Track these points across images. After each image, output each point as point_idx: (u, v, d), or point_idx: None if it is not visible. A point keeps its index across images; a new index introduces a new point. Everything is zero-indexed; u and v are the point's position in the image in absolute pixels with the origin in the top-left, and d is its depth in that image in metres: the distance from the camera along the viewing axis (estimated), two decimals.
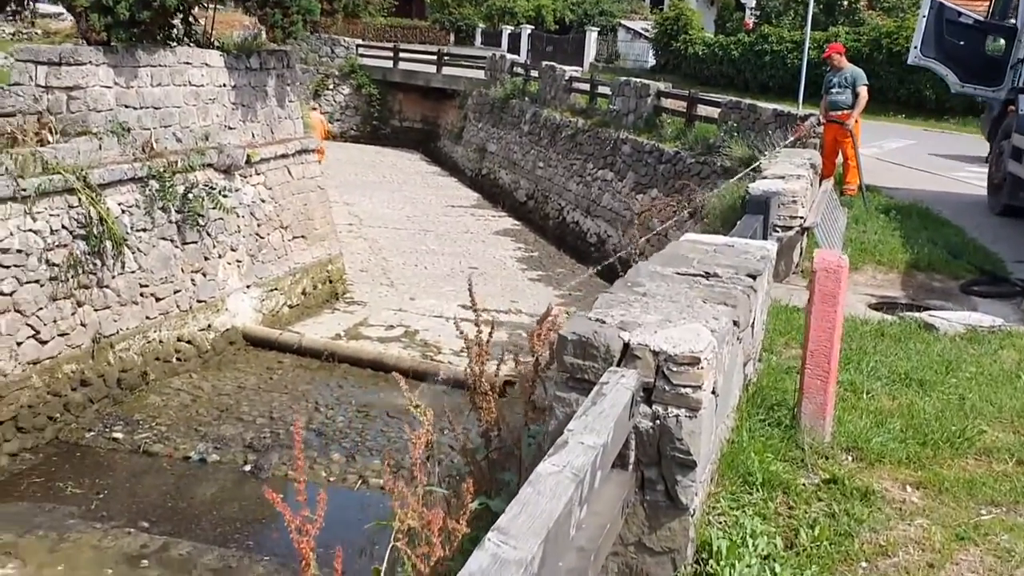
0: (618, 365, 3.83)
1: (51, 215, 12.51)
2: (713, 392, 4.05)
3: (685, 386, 3.78)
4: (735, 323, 4.43)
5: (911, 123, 29.25)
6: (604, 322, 3.98)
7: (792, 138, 15.26)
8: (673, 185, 20.44)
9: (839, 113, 14.20)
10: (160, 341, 14.20)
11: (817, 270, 5.00)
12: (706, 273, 5.02)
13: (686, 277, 4.90)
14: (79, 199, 12.85)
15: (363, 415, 13.50)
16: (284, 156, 17.66)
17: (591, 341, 3.85)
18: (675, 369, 3.78)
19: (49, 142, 13.19)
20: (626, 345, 3.84)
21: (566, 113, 27.74)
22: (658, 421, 3.81)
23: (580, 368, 3.87)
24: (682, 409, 3.79)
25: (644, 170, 22.10)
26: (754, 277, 5.10)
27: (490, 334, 4.76)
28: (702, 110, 21.42)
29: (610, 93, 25.52)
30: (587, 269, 22.86)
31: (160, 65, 14.88)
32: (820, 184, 12.25)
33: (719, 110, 20.29)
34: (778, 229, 9.44)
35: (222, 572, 9.69)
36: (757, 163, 12.98)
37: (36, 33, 27.22)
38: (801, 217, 9.77)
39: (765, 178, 10.21)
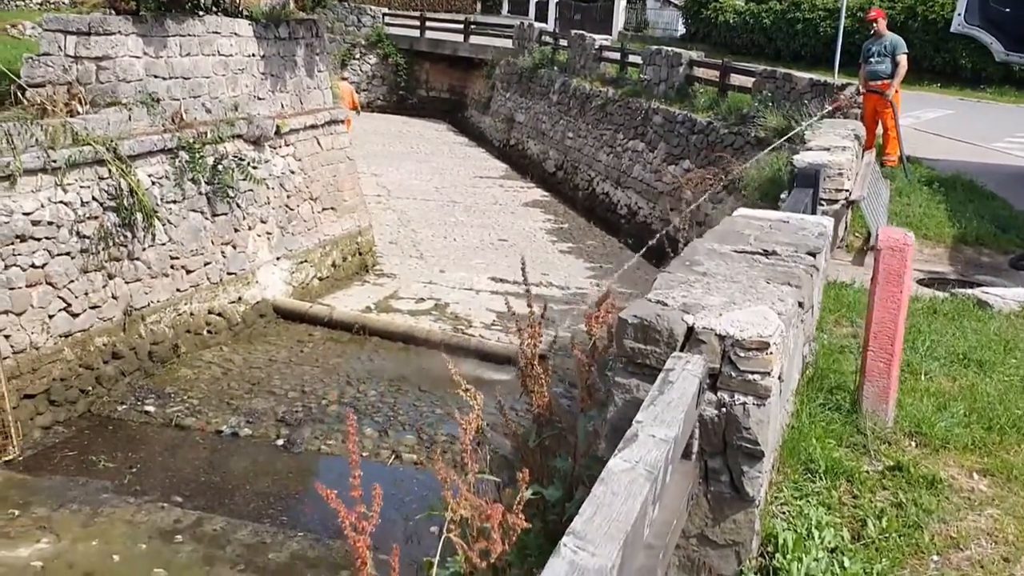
0: (681, 350, 3.64)
1: (82, 187, 12.41)
2: (780, 378, 3.85)
3: (753, 372, 3.59)
4: (800, 304, 4.22)
5: (947, 92, 28.73)
6: (666, 304, 3.79)
7: (830, 108, 14.93)
8: (706, 156, 20.12)
9: (879, 83, 13.89)
10: (191, 314, 14.11)
11: (882, 248, 4.78)
12: (765, 251, 4.81)
13: (745, 255, 4.69)
14: (109, 171, 12.74)
15: (395, 389, 13.38)
16: (313, 127, 17.48)
17: (653, 325, 3.66)
18: (742, 355, 3.59)
19: (79, 113, 13.06)
20: (690, 329, 3.65)
21: (596, 83, 27.38)
22: (724, 409, 3.63)
23: (641, 353, 3.68)
24: (749, 396, 3.60)
25: (676, 141, 21.77)
26: (814, 255, 4.88)
27: (543, 314, 4.55)
28: (735, 79, 21.04)
29: (641, 62, 25.14)
30: (616, 241, 22.68)
31: (189, 35, 14.71)
32: (863, 156, 11.96)
33: (753, 80, 19.91)
34: (823, 203, 9.19)
35: (256, 548, 9.61)
36: (796, 131, 12.68)
37: (64, 3, 27.09)
38: (847, 190, 9.51)
39: (810, 150, 9.94)
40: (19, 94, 12.92)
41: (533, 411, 4.45)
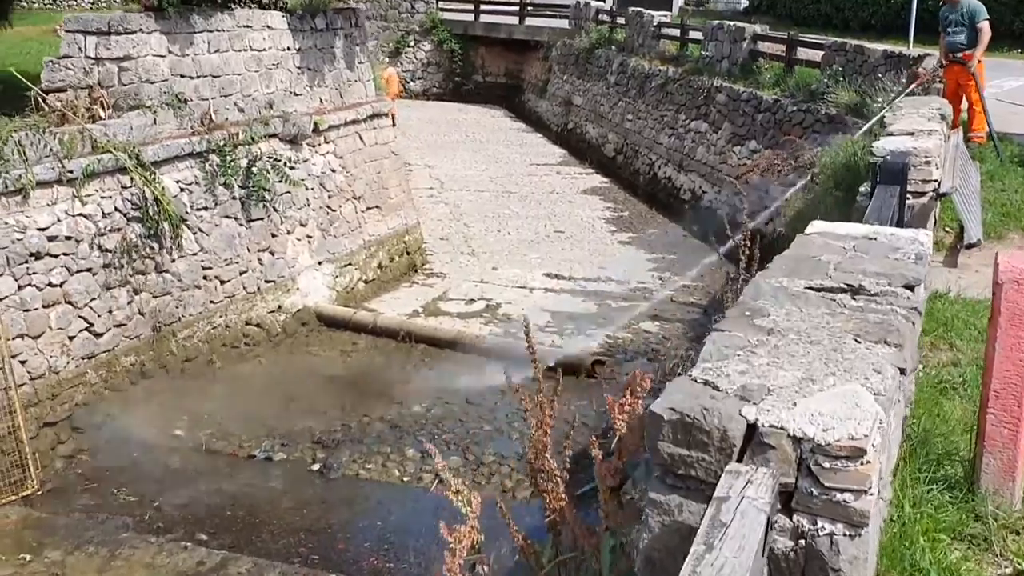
0: (739, 458, 2.62)
1: (102, 197, 11.69)
2: (878, 490, 2.81)
3: (842, 490, 2.55)
4: (901, 371, 3.16)
5: None
6: (718, 388, 2.77)
7: (913, 85, 13.62)
8: (773, 136, 18.85)
9: (960, 54, 12.62)
10: (226, 326, 13.35)
11: (1003, 281, 3.67)
12: (849, 287, 3.75)
13: (824, 295, 3.64)
14: (132, 179, 11.98)
15: (441, 402, 12.48)
16: (355, 122, 16.60)
17: (699, 423, 2.64)
18: (827, 465, 2.56)
19: (101, 118, 12.33)
20: (751, 427, 2.63)
21: (655, 61, 26.14)
22: (802, 541, 2.60)
23: (683, 461, 2.67)
24: (838, 524, 2.57)
25: (741, 120, 20.50)
26: (913, 288, 3.81)
27: (555, 392, 3.54)
28: (802, 53, 19.72)
29: (702, 38, 23.86)
30: (679, 228, 21.46)
31: (218, 30, 13.90)
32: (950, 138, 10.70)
33: (822, 53, 18.58)
34: (909, 196, 8.01)
35: None
36: (877, 118, 11.44)
37: (116, 1, 26.60)
38: (935, 181, 8.31)
39: (891, 135, 8.75)
40: (40, 100, 12.23)
41: (546, 515, 3.45)
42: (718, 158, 21.27)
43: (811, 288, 3.74)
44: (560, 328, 14.99)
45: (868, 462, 2.54)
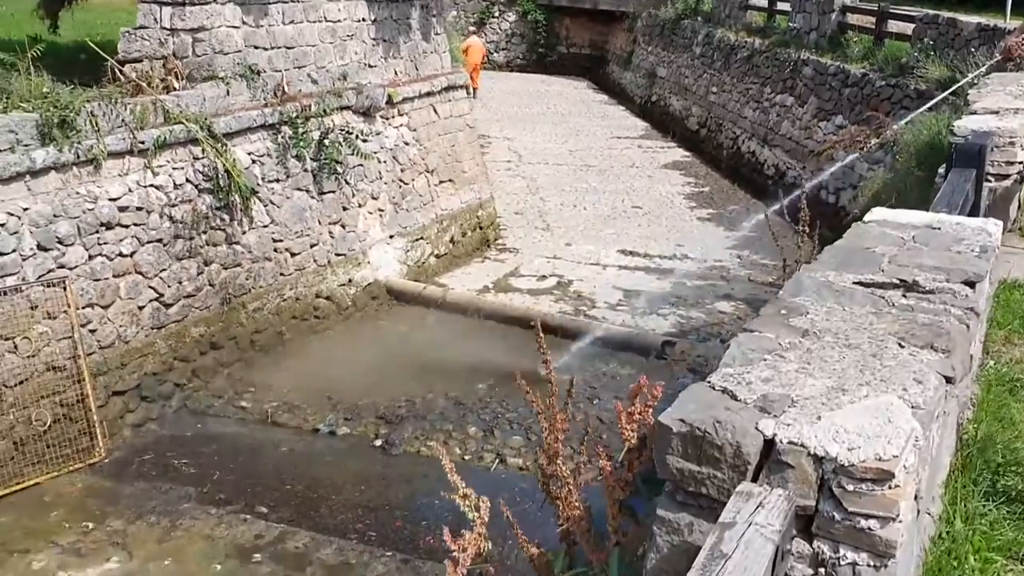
0: (755, 476, 2.39)
1: (174, 168, 11.73)
2: (914, 507, 2.56)
3: (868, 516, 2.31)
4: (948, 380, 2.89)
5: None
6: (735, 397, 2.55)
7: (999, 57, 12.94)
8: (860, 111, 18.22)
9: None
10: (296, 299, 13.37)
11: None
12: (902, 282, 3.47)
13: (872, 292, 3.37)
14: (203, 150, 12.02)
15: (506, 381, 12.29)
16: (429, 94, 16.47)
17: (710, 437, 2.42)
18: (850, 488, 2.32)
19: (175, 89, 12.38)
20: (768, 443, 2.40)
21: (741, 33, 25.51)
22: (822, 570, 2.37)
23: (693, 477, 2.46)
24: (862, 553, 2.35)
25: (827, 95, 19.86)
26: (973, 285, 3.51)
27: (569, 393, 3.34)
28: (893, 26, 18.98)
29: (789, 10, 23.16)
30: (762, 205, 20.86)
31: (292, 1, 13.84)
32: None
33: (913, 26, 17.86)
34: (991, 178, 7.57)
35: (338, 569, 8.73)
36: (958, 86, 10.88)
37: None
38: (1020, 163, 7.84)
39: (975, 113, 8.28)
40: (116, 71, 12.33)
41: (560, 524, 3.25)
42: (803, 133, 20.67)
43: (859, 283, 3.47)
44: (631, 307, 14.73)
45: (897, 486, 2.30)
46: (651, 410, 2.91)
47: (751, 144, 23.32)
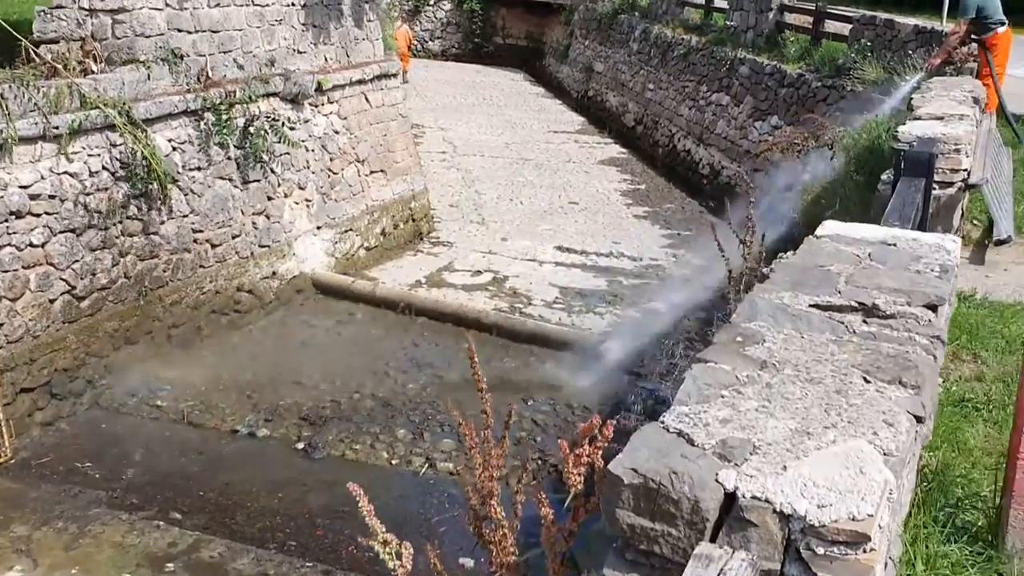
0: (714, 535, 2.10)
1: (90, 155, 11.17)
2: (885, 566, 2.28)
3: None
4: (918, 420, 2.63)
5: None
6: (693, 443, 2.25)
7: (937, 61, 12.90)
8: (796, 112, 18.18)
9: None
10: (217, 292, 12.86)
11: None
12: (861, 305, 3.22)
13: (831, 316, 3.11)
14: (121, 136, 11.47)
15: (438, 381, 11.99)
16: (361, 82, 16.02)
17: (665, 490, 2.12)
18: (821, 552, 2.04)
19: (93, 72, 11.81)
20: (729, 497, 2.11)
21: (678, 30, 25.39)
22: None
23: (646, 534, 2.16)
24: None
25: (764, 94, 19.80)
26: (935, 309, 3.27)
27: (507, 425, 3.02)
28: (830, 26, 18.94)
29: (727, 7, 23.09)
30: (696, 204, 20.80)
31: None
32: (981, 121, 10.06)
33: (851, 26, 17.82)
34: (935, 186, 7.42)
35: None
36: (907, 97, 10.80)
37: None
38: (965, 170, 7.71)
39: (919, 118, 8.14)
40: (31, 52, 11.71)
41: (492, 571, 2.94)
42: (739, 133, 20.62)
43: (816, 306, 3.20)
44: (568, 305, 14.47)
45: (873, 549, 2.03)
46: (600, 452, 2.60)
47: (687, 143, 23.23)
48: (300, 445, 10.42)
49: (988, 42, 11.62)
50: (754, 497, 2.11)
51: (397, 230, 16.56)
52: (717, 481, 2.14)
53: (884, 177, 7.64)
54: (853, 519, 2.05)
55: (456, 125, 26.59)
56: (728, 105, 21.40)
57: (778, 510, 2.09)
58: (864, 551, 2.04)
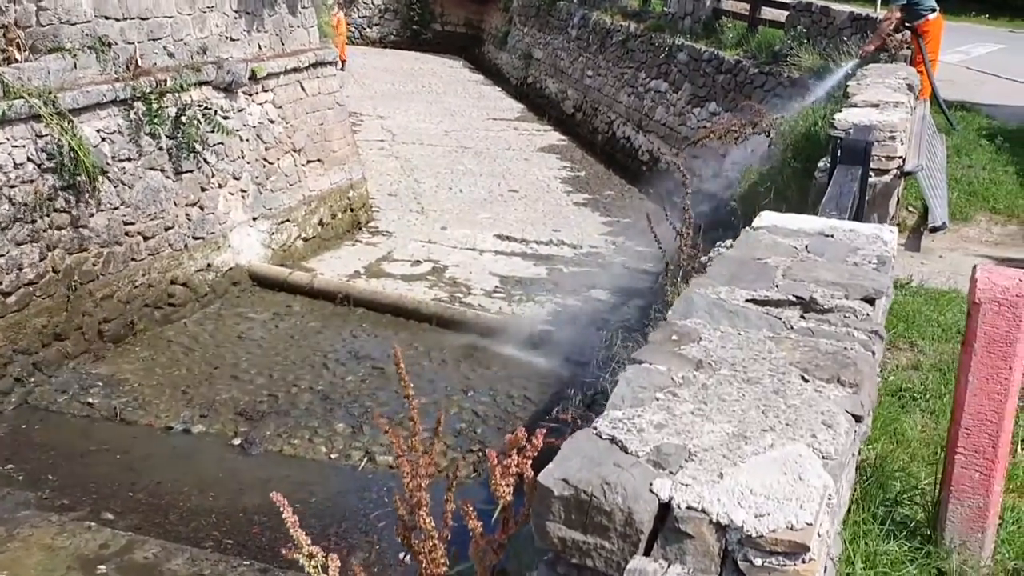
0: (648, 548, 2.02)
1: (14, 146, 10.82)
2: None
3: None
4: (857, 419, 2.57)
5: (994, 24, 26.53)
6: (626, 451, 2.17)
7: (871, 47, 12.98)
8: (734, 99, 18.26)
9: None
10: (149, 285, 12.56)
11: (981, 301, 3.08)
12: (799, 299, 3.16)
13: (768, 312, 3.05)
14: (47, 126, 11.13)
15: (377, 373, 11.84)
16: (296, 70, 15.74)
17: (597, 502, 2.03)
18: (759, 563, 1.97)
19: (17, 60, 11.44)
20: (664, 507, 2.03)
21: (617, 16, 25.35)
22: None
23: (578, 548, 2.07)
24: None
25: (702, 81, 19.86)
26: (872, 302, 3.22)
27: (436, 433, 2.92)
28: (767, 13, 19.00)
29: None
30: (636, 191, 20.80)
31: None
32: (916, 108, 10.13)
33: (787, 13, 17.90)
34: (871, 174, 7.43)
35: None
36: (842, 83, 10.84)
37: None
38: (900, 158, 7.74)
39: (855, 105, 8.15)
40: None
41: None
42: (677, 119, 20.66)
43: (753, 301, 3.14)
44: (508, 294, 14.38)
45: (812, 559, 1.97)
46: (529, 463, 2.51)
47: (626, 129, 23.24)
48: (236, 441, 10.23)
49: (920, 28, 11.70)
50: (690, 507, 2.03)
51: (335, 220, 16.34)
52: (651, 491, 2.06)
53: (821, 164, 7.66)
54: (791, 528, 1.98)
55: (395, 113, 26.33)
56: (667, 92, 21.43)
57: (715, 520, 2.01)
58: (803, 561, 1.97)
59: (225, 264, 13.82)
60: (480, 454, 10.06)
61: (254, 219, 14.46)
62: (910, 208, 8.72)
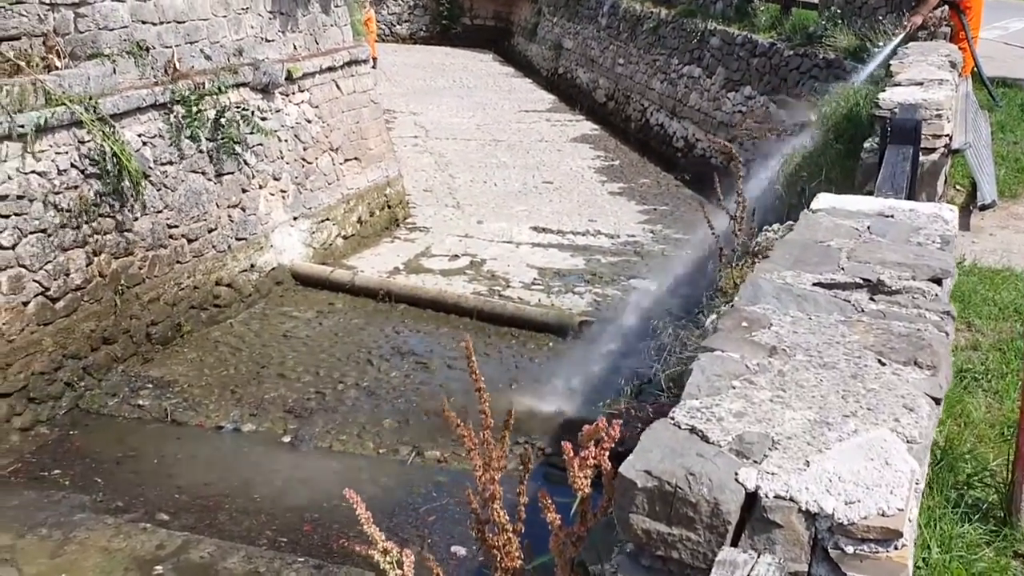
0: (735, 538, 2.00)
1: (57, 153, 10.93)
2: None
3: None
4: (936, 401, 2.53)
5: None
6: (707, 441, 2.15)
7: (919, 19, 12.78)
8: (769, 82, 18.13)
9: None
10: (195, 287, 12.67)
11: None
12: (866, 282, 3.12)
13: (837, 296, 3.01)
14: (89, 132, 11.24)
15: (421, 368, 11.87)
16: (331, 69, 15.79)
17: (682, 493, 2.02)
18: (850, 551, 1.94)
19: (57, 67, 11.56)
20: (751, 497, 2.01)
21: (647, 3, 25.24)
22: None
23: (662, 540, 2.05)
24: None
25: (736, 65, 19.72)
26: (940, 282, 3.17)
27: (507, 426, 2.91)
28: None
29: None
30: (672, 178, 20.70)
31: None
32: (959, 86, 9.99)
33: None
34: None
35: None
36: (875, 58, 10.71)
37: None
38: (947, 136, 7.64)
39: (898, 84, 8.05)
40: None
41: None
42: (712, 104, 20.53)
43: (820, 284, 3.11)
44: (547, 286, 14.37)
45: (904, 545, 1.94)
46: (606, 454, 2.49)
47: (659, 116, 23.13)
48: (286, 439, 10.30)
49: (962, 4, 11.53)
50: (777, 496, 2.01)
51: (373, 218, 16.39)
52: (737, 481, 2.04)
53: (867, 145, 7.57)
54: (883, 515, 1.95)
55: (427, 109, 26.37)
56: (700, 77, 21.30)
57: (804, 509, 1.99)
58: (895, 547, 1.95)
59: (268, 264, 13.91)
60: (527, 446, 10.04)
61: (295, 219, 14.54)
62: (957, 187, 8.60)
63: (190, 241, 12.62)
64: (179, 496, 9.32)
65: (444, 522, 8.99)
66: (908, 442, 2.19)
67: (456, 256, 15.56)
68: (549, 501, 2.58)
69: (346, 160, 15.93)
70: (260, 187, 13.92)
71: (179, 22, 12.96)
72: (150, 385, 11.32)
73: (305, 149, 14.96)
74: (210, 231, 12.95)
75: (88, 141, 11.24)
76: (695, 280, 13.68)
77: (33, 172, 10.61)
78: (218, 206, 13.11)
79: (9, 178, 10.35)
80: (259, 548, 8.61)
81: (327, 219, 15.25)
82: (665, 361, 5.84)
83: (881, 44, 13.50)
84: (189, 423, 10.61)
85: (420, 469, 9.83)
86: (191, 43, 13.14)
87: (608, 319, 12.84)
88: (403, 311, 13.48)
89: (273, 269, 14.01)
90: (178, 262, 12.42)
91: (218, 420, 10.63)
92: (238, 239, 13.44)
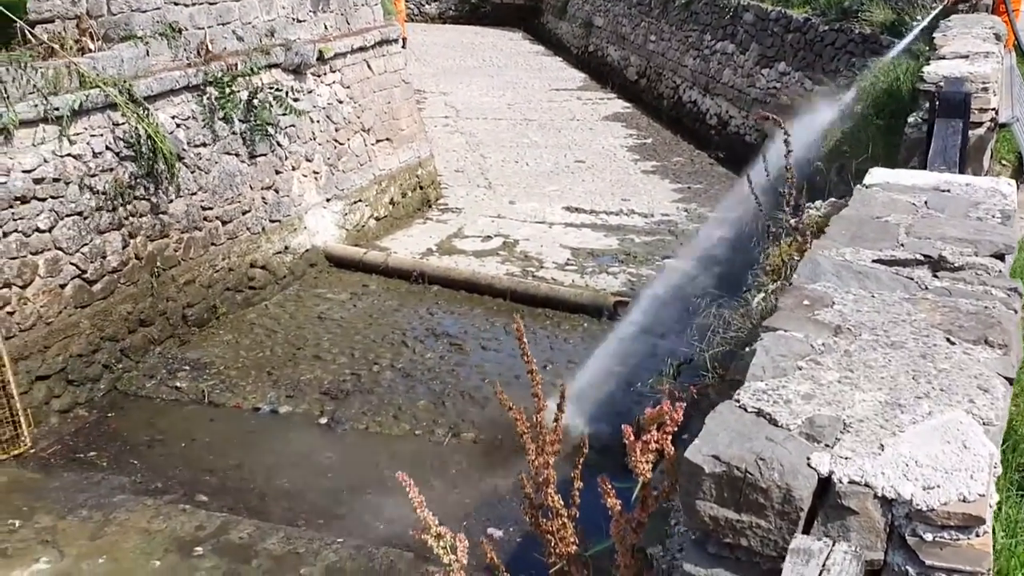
0: (808, 525, 1.92)
1: (92, 135, 10.95)
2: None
3: (951, 571, 1.86)
4: (1009, 381, 2.44)
5: None
6: (776, 424, 2.07)
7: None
8: (804, 57, 17.88)
9: None
10: (230, 269, 12.69)
11: None
12: (927, 258, 3.02)
13: (898, 273, 2.91)
14: (124, 115, 11.24)
15: (456, 348, 11.83)
16: (362, 49, 15.71)
17: (752, 479, 1.94)
18: (929, 538, 1.86)
19: (90, 50, 11.57)
20: (824, 482, 1.93)
21: None
22: None
23: (731, 527, 1.98)
24: None
25: (769, 40, 19.45)
26: (1003, 258, 3.07)
27: (560, 408, 2.84)
28: None
29: None
30: (705, 156, 20.50)
31: None
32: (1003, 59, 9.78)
33: None
34: None
35: (285, 559, 8.20)
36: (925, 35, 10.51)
37: None
38: (993, 109, 7.47)
39: (943, 58, 7.88)
40: (26, 32, 11.46)
41: (551, 562, 2.76)
42: (745, 81, 20.28)
43: (881, 261, 3.01)
44: (580, 266, 14.27)
45: (986, 532, 1.86)
46: (669, 438, 2.42)
47: (692, 93, 22.89)
48: (323, 420, 10.30)
49: None
50: (852, 481, 1.94)
51: (405, 199, 16.34)
52: (810, 466, 1.97)
53: (911, 120, 7.42)
54: (964, 500, 1.87)
55: (457, 89, 26.27)
56: (733, 53, 21.04)
57: (880, 494, 1.91)
58: (976, 535, 1.87)
59: (302, 246, 13.90)
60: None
61: (327, 200, 14.52)
62: (1003, 161, 8.42)
63: (224, 223, 12.63)
64: (217, 477, 9.35)
65: (480, 504, 8.96)
66: (984, 424, 2.10)
67: (489, 237, 15.48)
68: (609, 486, 2.51)
69: (378, 141, 15.88)
70: (293, 168, 13.89)
71: (211, 3, 12.93)
72: (187, 367, 11.36)
73: (337, 130, 14.92)
74: (244, 213, 12.95)
75: (122, 124, 11.25)
76: (730, 259, 13.54)
77: (69, 155, 10.63)
78: (252, 188, 13.11)
79: (45, 161, 10.37)
80: (298, 528, 8.62)
81: (359, 200, 15.21)
82: (708, 341, 5.74)
83: (919, 18, 13.28)
84: (226, 404, 10.64)
85: (457, 450, 9.79)
86: (223, 24, 13.11)
87: (642, 300, 12.73)
88: (436, 292, 13.43)
89: (307, 251, 14.00)
90: (213, 244, 12.43)
91: (255, 402, 10.65)
92: (272, 221, 13.43)
